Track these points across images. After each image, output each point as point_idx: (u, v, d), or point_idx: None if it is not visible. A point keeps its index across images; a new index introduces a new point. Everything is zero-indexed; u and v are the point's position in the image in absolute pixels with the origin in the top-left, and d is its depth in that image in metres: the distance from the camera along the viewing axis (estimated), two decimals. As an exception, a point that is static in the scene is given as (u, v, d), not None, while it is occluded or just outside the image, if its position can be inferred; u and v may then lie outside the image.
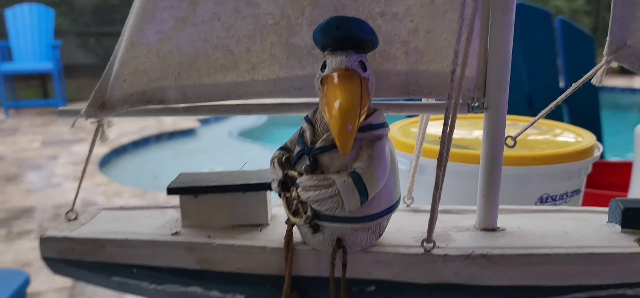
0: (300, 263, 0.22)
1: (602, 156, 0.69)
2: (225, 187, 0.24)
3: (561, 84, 1.01)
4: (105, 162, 3.83)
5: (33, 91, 5.63)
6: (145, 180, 3.67)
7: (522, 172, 0.35)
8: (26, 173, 3.46)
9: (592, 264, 0.21)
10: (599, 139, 0.56)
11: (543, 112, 0.27)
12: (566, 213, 0.27)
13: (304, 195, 0.21)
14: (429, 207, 0.22)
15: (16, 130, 4.50)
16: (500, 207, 0.25)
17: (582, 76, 0.25)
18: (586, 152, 0.37)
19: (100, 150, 3.87)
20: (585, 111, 1.03)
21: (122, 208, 0.28)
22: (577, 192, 0.38)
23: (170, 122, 4.70)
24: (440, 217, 0.26)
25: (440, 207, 0.27)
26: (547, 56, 1.08)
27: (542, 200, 0.36)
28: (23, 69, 5.16)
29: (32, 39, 4.64)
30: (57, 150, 3.92)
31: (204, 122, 5.16)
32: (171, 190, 0.25)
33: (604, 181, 0.73)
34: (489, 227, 0.24)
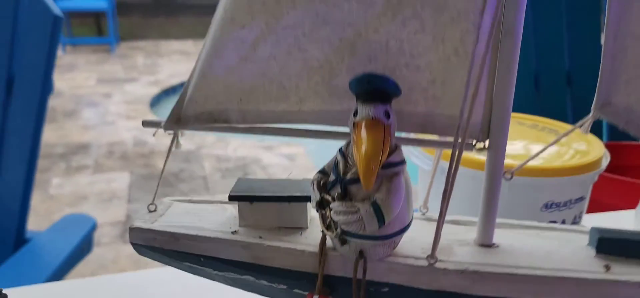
0: (330, 265, 0.28)
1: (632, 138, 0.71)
2: (275, 197, 0.31)
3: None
4: (156, 102, 3.99)
5: (88, 28, 5.82)
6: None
7: (530, 181, 0.40)
8: (83, 110, 3.66)
9: (563, 286, 0.27)
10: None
11: (544, 148, 0.31)
12: (556, 232, 0.32)
13: (335, 217, 0.27)
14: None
15: (73, 67, 4.71)
16: (499, 221, 0.30)
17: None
18: (593, 165, 0.41)
19: (152, 90, 4.03)
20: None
21: (190, 200, 0.35)
22: (581, 198, 0.42)
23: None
24: (448, 228, 0.32)
25: (450, 218, 0.33)
26: (591, 33, 1.08)
27: (547, 206, 0.41)
28: (79, 6, 5.34)
29: (87, -24, 4.76)
30: (111, 88, 4.10)
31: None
32: (232, 197, 0.31)
33: (624, 164, 0.75)
34: (486, 243, 0.30)
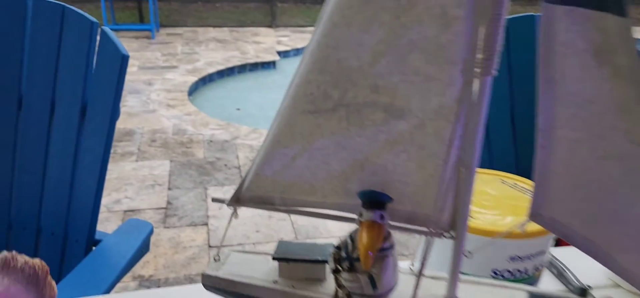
0: None
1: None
2: (304, 260, 0.44)
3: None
4: (193, 90, 4.17)
5: (129, 14, 6.05)
6: (229, 111, 3.97)
7: (499, 241, 0.52)
8: (126, 97, 3.87)
9: None
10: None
11: (505, 231, 0.44)
12: (505, 289, 0.44)
13: (344, 283, 0.40)
14: (425, 272, 0.40)
15: (116, 53, 4.90)
16: (465, 278, 0.43)
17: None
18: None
19: (190, 78, 4.22)
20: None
21: (244, 251, 0.49)
22: (542, 252, 0.55)
23: (253, 53, 4.96)
24: (428, 282, 0.45)
25: (430, 274, 0.46)
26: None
27: (513, 258, 0.53)
28: (123, -9, 5.51)
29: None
30: (153, 76, 4.31)
31: (283, 54, 5.36)
32: (275, 258, 0.45)
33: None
34: (450, 297, 0.43)
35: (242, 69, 4.84)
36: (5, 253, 0.33)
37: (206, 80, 4.36)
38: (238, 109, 3.85)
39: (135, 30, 5.65)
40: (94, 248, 1.04)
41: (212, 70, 4.41)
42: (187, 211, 2.42)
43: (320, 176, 0.43)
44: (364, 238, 0.38)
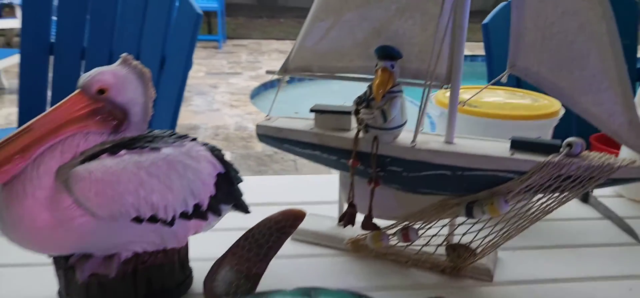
0: (360, 145, 0.54)
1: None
2: (334, 111, 0.57)
3: None
4: (256, 93, 4.39)
5: (199, 26, 6.46)
6: (287, 114, 4.17)
7: (501, 122, 0.63)
8: (193, 97, 4.14)
9: (480, 160, 0.50)
10: None
11: (494, 80, 0.55)
12: (496, 142, 0.55)
13: (362, 116, 0.52)
14: (421, 133, 0.52)
15: (186, 60, 5.24)
16: (462, 136, 0.54)
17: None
18: (548, 115, 0.64)
19: (253, 83, 4.45)
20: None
21: (288, 117, 0.62)
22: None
23: (312, 64, 5.16)
24: (432, 137, 0.56)
25: (435, 133, 0.57)
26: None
27: (513, 142, 0.64)
28: (193, 6, 5.88)
29: (202, -20, 5.28)
30: (218, 80, 4.58)
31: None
32: (311, 110, 0.58)
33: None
34: (448, 141, 0.54)
35: (302, 77, 5.01)
36: (125, 54, 0.48)
37: (268, 86, 4.57)
38: (296, 112, 4.01)
39: (203, 40, 5.98)
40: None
41: (274, 77, 4.62)
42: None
43: (347, 44, 0.56)
44: (377, 80, 0.51)
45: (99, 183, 0.41)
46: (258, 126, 0.60)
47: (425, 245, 0.57)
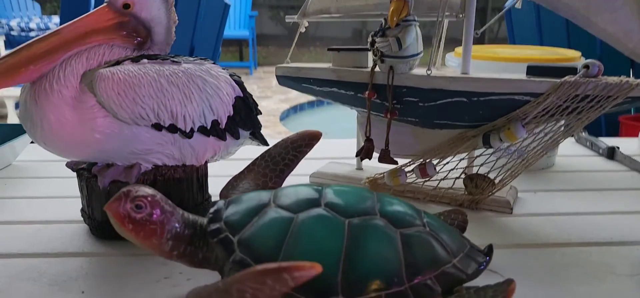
0: (376, 78, 0.55)
1: None
2: (350, 49, 0.58)
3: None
4: (285, 116, 4.44)
5: (231, 55, 6.59)
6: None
7: (516, 66, 0.63)
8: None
9: (496, 83, 0.50)
10: None
11: (499, 14, 0.55)
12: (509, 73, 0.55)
13: (377, 45, 0.53)
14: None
15: (218, 85, 5.35)
16: (481, 71, 0.55)
17: None
18: (568, 60, 0.63)
19: (282, 106, 4.51)
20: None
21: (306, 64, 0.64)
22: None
23: (342, 89, 5.20)
24: (449, 71, 0.57)
25: (452, 70, 0.58)
26: None
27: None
28: (227, 34, 6.06)
29: (233, 9, 5.44)
30: (249, 103, 4.66)
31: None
32: (329, 49, 0.59)
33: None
34: (464, 72, 0.54)
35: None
36: None
37: (297, 108, 4.61)
38: (325, 134, 4.00)
39: (235, 67, 6.12)
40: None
41: (303, 100, 4.68)
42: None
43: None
44: (391, 8, 0.52)
45: (121, 84, 0.43)
46: (277, 68, 0.62)
47: (443, 179, 0.57)
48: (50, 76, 0.43)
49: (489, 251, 0.39)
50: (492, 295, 0.32)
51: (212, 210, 0.38)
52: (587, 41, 1.28)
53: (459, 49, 0.70)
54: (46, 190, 0.63)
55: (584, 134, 0.81)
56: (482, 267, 0.37)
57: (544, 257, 0.45)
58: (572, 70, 0.50)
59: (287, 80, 0.62)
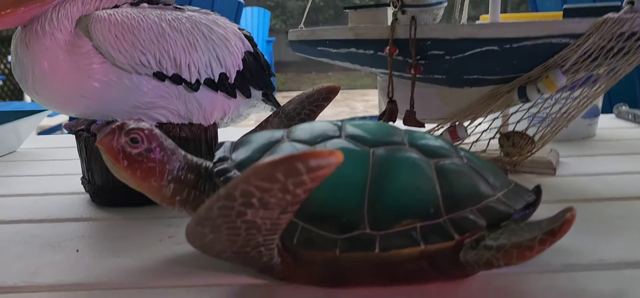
0: (396, 32, 0.51)
1: None
2: (368, 5, 0.54)
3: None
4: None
5: (249, 81, 6.65)
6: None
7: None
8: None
9: (526, 26, 0.46)
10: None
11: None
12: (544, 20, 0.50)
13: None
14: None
15: (237, 110, 5.39)
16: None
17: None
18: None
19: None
20: None
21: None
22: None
23: (361, 109, 5.17)
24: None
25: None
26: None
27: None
28: (242, 61, 6.09)
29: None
30: (267, 126, 4.66)
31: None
32: (345, 8, 0.55)
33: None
34: (493, 21, 0.50)
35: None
36: None
37: (316, 130, 4.56)
38: (345, 152, 3.98)
39: (253, 93, 6.13)
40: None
41: (321, 122, 4.65)
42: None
43: None
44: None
45: (118, 26, 0.39)
46: (290, 32, 0.58)
47: (476, 141, 0.52)
48: (42, 19, 0.39)
49: (537, 191, 0.33)
50: (547, 225, 0.27)
51: (219, 150, 0.34)
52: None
53: (485, 16, 0.65)
54: (50, 169, 0.59)
55: (625, 107, 0.75)
56: (530, 206, 0.32)
57: (596, 210, 0.40)
58: (615, 9, 0.45)
59: (302, 45, 0.58)
